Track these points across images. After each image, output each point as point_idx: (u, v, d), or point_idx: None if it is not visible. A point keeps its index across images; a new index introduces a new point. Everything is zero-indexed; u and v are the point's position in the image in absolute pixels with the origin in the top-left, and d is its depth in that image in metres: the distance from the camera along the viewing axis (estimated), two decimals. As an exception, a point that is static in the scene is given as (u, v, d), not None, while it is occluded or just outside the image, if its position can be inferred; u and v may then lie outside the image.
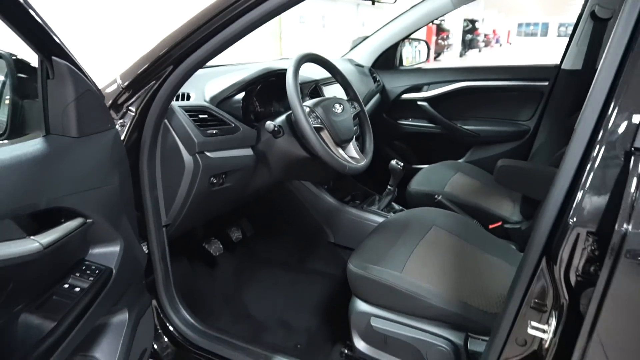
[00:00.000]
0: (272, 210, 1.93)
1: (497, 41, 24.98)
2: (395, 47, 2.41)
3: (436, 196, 1.73)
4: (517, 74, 2.20)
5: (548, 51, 15.07)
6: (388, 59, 2.44)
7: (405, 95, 2.39)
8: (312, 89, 1.66)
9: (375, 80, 2.32)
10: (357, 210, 1.78)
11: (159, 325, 1.27)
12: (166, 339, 1.27)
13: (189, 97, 1.30)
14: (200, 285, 1.66)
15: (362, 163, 1.37)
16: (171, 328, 1.26)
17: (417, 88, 2.36)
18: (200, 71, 1.48)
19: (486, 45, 21.76)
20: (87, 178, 0.85)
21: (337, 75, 1.48)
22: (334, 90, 1.73)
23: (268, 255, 1.86)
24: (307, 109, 1.30)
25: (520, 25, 31.90)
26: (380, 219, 1.72)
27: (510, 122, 2.24)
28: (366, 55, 2.40)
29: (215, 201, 1.35)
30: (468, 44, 18.96)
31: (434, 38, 14.44)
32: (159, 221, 1.19)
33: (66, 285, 0.82)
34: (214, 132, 1.21)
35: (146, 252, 1.17)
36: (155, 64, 1.03)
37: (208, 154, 1.19)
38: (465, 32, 18.52)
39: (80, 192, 0.83)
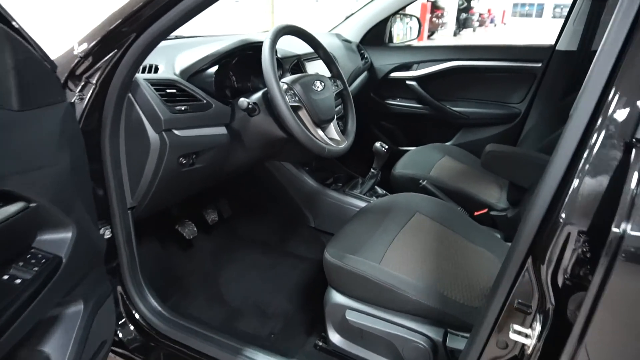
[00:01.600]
0: (251, 191, 1.86)
1: (491, 21, 24.67)
2: (385, 22, 2.30)
3: (421, 181, 1.66)
4: (509, 54, 2.11)
5: (543, 32, 14.93)
6: (377, 35, 2.33)
7: (394, 74, 2.29)
8: (294, 65, 1.57)
9: (363, 57, 2.22)
10: (339, 194, 1.71)
11: (124, 313, 1.20)
12: (132, 328, 1.20)
13: (156, 70, 1.20)
14: (173, 268, 1.59)
15: (343, 145, 1.29)
16: (137, 316, 1.19)
17: (406, 66, 2.27)
18: (171, 42, 1.38)
19: (480, 25, 21.48)
20: (31, 157, 0.76)
21: (319, 50, 1.39)
22: (318, 67, 1.64)
23: (246, 237, 1.80)
24: (285, 86, 1.21)
25: (515, 5, 31.53)
26: (362, 204, 1.65)
27: (500, 105, 2.16)
28: (354, 30, 2.30)
29: (186, 182, 1.27)
30: (462, 23, 18.68)
31: (428, 16, 14.19)
32: (123, 203, 1.11)
33: (5, 277, 0.74)
34: (183, 108, 1.12)
35: (109, 235, 1.09)
36: (116, 30, 0.93)
37: (176, 132, 1.11)
38: (460, 11, 18.22)
39: (22, 173, 0.74)
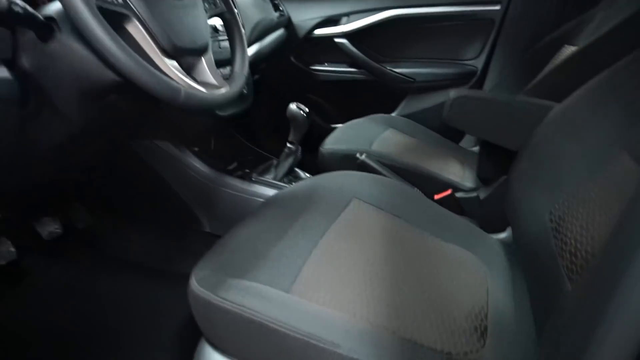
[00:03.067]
0: (115, 188, 1.28)
1: None
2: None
3: (359, 155, 1.17)
4: None
5: None
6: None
7: (318, 31, 1.80)
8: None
9: (277, 8, 1.71)
10: (243, 183, 1.18)
11: None
12: None
13: None
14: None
15: (222, 91, 0.77)
16: None
17: (333, 20, 1.78)
18: None
19: None
20: None
21: None
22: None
23: (111, 257, 1.22)
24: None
25: None
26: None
27: (452, 63, 1.73)
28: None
29: None
30: None
31: None
32: None
33: None
34: None
35: None
36: None
37: None
38: None
39: None
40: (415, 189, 1.13)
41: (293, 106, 1.17)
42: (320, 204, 0.83)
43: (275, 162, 1.31)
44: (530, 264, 0.78)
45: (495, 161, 1.11)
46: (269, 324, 0.55)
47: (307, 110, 1.17)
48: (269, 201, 0.87)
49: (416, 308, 0.63)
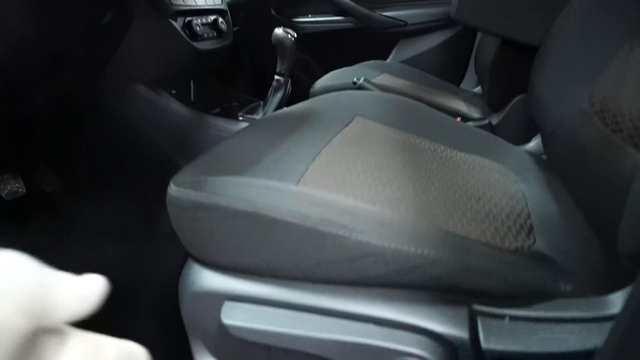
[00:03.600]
0: (85, 145, 1.13)
1: None
2: None
3: (356, 79, 1.05)
4: None
5: None
6: None
7: (299, -21, 1.68)
8: None
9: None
10: (229, 122, 1.05)
11: None
12: None
13: None
14: None
15: None
16: None
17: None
18: None
19: None
20: None
21: None
22: None
23: (85, 225, 1.08)
24: None
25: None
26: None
27: (447, 2, 1.61)
28: None
29: None
30: None
31: None
32: None
33: None
34: None
35: None
36: None
37: None
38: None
39: None
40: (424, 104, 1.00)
41: (279, 30, 1.04)
42: (318, 122, 0.70)
43: (262, 103, 1.18)
44: (572, 161, 0.67)
45: (509, 78, 1.00)
46: (274, 215, 0.43)
47: (295, 34, 1.04)
48: (258, 121, 0.75)
49: (446, 202, 0.52)
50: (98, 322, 0.27)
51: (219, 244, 0.46)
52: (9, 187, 0.98)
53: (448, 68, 1.53)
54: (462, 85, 1.54)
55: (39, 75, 0.81)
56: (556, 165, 0.73)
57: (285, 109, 0.80)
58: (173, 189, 0.49)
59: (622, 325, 0.30)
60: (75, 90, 0.97)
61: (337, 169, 0.54)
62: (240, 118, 1.05)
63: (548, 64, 0.76)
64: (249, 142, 0.63)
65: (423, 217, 0.47)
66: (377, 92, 0.85)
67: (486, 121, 1.07)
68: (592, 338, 0.39)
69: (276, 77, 1.05)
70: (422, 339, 0.41)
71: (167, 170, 1.07)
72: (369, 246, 0.42)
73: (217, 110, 1.14)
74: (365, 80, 1.05)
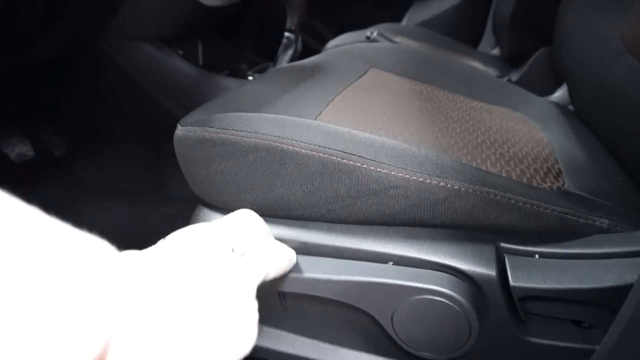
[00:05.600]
0: (92, 105, 1.11)
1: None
2: None
3: (369, 34, 1.01)
4: None
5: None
6: None
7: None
8: None
9: None
10: (238, 81, 1.02)
11: None
12: None
13: None
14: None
15: None
16: None
17: None
18: None
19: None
20: None
21: None
22: None
23: (95, 186, 1.07)
24: None
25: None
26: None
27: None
28: None
29: None
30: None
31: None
32: None
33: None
34: None
35: None
36: None
37: None
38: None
39: None
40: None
41: (285, -17, 0.99)
42: (332, 73, 0.67)
43: (272, 65, 1.14)
44: (601, 106, 0.63)
45: (530, 31, 0.95)
46: (288, 147, 0.40)
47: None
48: (272, 70, 0.72)
49: (468, 145, 0.49)
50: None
51: (230, 183, 0.44)
52: (17, 150, 0.96)
53: (465, 30, 1.47)
54: (479, 48, 1.49)
55: (38, 18, 0.78)
56: (584, 113, 0.69)
57: (296, 62, 0.77)
58: (180, 129, 0.47)
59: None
60: (78, 40, 0.93)
61: (353, 113, 0.51)
62: (250, 78, 1.02)
63: (574, 6, 0.71)
64: (260, 88, 0.60)
65: (446, 154, 0.44)
66: (393, 44, 0.81)
67: (507, 78, 1.02)
68: (629, 272, 0.36)
69: (286, 34, 1.02)
70: (445, 276, 0.38)
71: (173, 131, 1.06)
72: (388, 178, 0.39)
73: (226, 72, 1.11)
74: (379, 34, 1.00)
